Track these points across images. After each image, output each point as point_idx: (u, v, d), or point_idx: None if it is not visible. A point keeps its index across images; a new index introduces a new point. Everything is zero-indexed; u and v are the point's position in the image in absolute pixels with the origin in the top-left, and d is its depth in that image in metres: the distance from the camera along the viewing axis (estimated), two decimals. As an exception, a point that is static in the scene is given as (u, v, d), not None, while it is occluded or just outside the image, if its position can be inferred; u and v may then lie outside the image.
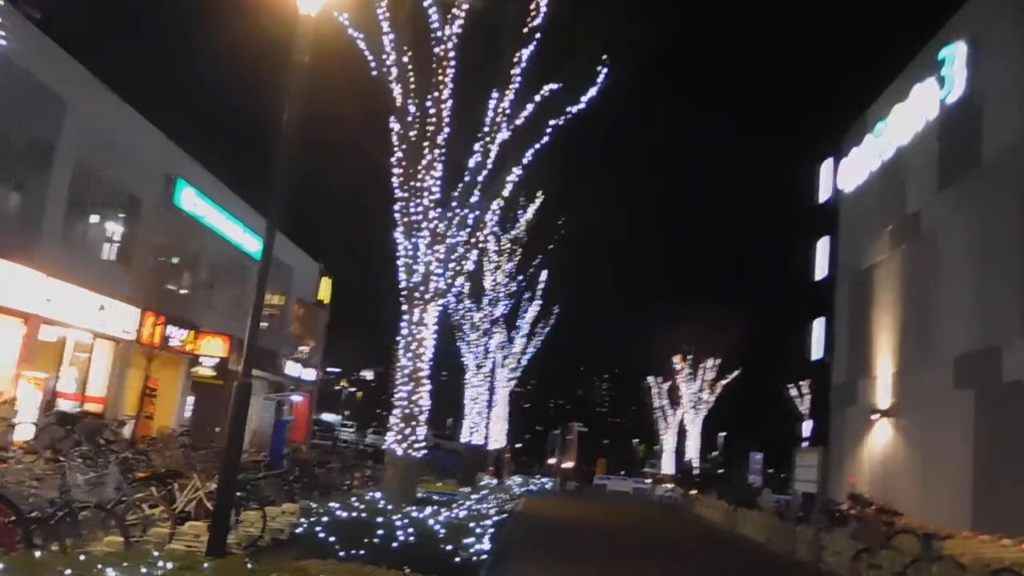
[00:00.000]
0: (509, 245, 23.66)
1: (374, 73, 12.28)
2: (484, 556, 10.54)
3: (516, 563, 11.74)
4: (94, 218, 24.03)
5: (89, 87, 22.28)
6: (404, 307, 12.26)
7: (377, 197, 22.18)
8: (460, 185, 12.64)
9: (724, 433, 75.05)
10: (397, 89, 12.21)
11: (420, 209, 12.02)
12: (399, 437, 11.79)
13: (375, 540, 9.95)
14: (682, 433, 59.44)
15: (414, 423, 11.81)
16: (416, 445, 11.80)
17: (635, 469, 71.37)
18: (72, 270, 21.85)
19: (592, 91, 13.49)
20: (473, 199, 12.70)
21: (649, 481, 55.26)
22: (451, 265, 12.34)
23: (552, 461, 64.22)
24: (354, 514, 10.34)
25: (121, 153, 23.98)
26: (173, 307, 28.67)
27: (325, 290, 47.46)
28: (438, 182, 12.13)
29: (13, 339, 20.21)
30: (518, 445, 72.96)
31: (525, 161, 13.29)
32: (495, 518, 13.45)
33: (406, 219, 12.13)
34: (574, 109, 13.39)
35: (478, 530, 10.91)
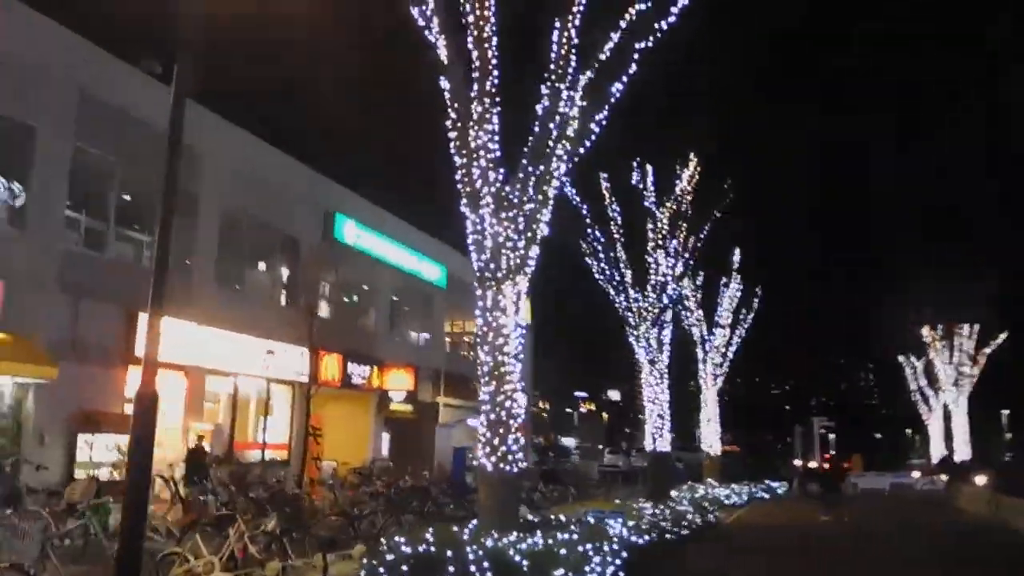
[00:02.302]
0: (666, 221, 20.78)
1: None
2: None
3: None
4: (250, 263, 24.13)
5: (223, 132, 22.39)
6: (478, 291, 10.16)
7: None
8: (530, 139, 10.40)
9: (1006, 411, 65.29)
10: (441, 41, 10.25)
11: (479, 172, 9.91)
12: (487, 450, 9.63)
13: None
14: (948, 417, 51.55)
15: (503, 431, 9.60)
16: (511, 458, 9.57)
17: (899, 462, 63.94)
18: (230, 317, 21.87)
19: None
20: (559, 154, 10.36)
21: (916, 475, 48.61)
22: (528, 235, 10.08)
23: (797, 463, 58.78)
24: (422, 548, 8.32)
25: (270, 194, 23.94)
26: (351, 344, 28.46)
27: (526, 310, 46.35)
28: (495, 137, 9.97)
29: (175, 392, 20.41)
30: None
31: (614, 97, 10.79)
32: (638, 540, 10.86)
33: (468, 188, 10.05)
34: (664, 24, 10.71)
35: (593, 559, 8.51)
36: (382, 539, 8.91)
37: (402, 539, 8.56)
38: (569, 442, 73.23)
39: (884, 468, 53.01)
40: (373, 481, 21.15)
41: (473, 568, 7.92)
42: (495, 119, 9.98)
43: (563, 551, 8.18)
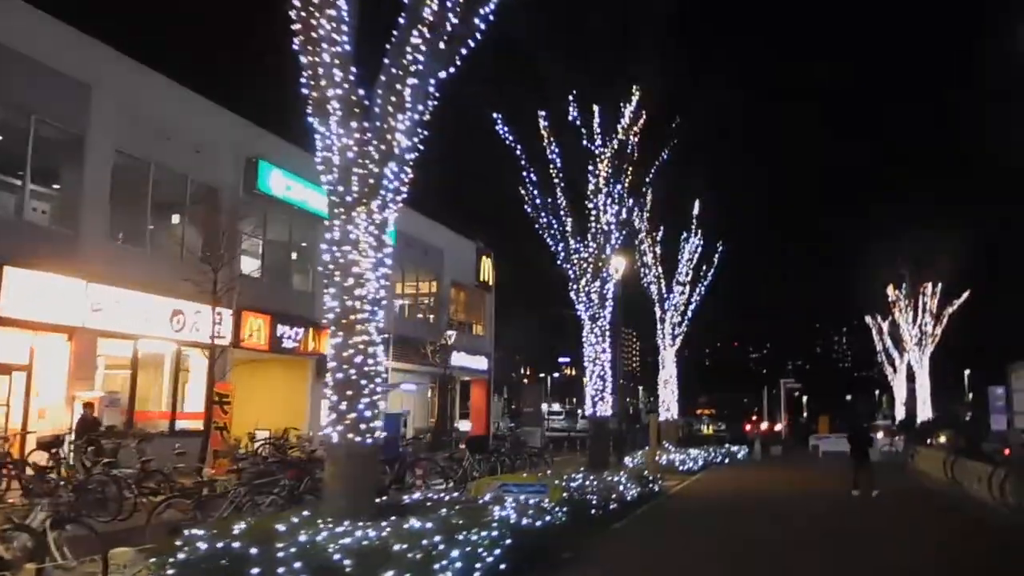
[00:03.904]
0: (607, 162, 18.75)
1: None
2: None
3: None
4: (153, 214, 21.76)
5: (116, 65, 20.00)
6: (327, 221, 8.20)
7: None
8: (395, 33, 8.36)
9: (968, 371, 64.89)
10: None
11: (323, 70, 7.88)
12: (334, 416, 7.72)
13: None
14: (912, 377, 50.68)
15: (353, 393, 7.69)
16: (363, 427, 7.67)
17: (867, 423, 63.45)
18: (130, 275, 19.72)
19: None
20: (416, 43, 8.31)
21: (880, 436, 47.76)
22: (383, 148, 8.07)
23: (762, 426, 57.92)
24: (221, 544, 6.42)
25: (178, 139, 21.63)
26: (282, 305, 26.36)
27: (487, 271, 44.30)
28: (341, 27, 7.92)
29: (58, 356, 18.28)
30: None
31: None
32: (533, 523, 9.00)
33: (315, 92, 8.03)
34: None
35: (450, 554, 6.66)
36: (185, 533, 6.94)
37: (201, 532, 6.66)
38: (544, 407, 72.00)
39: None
40: (288, 452, 19.40)
41: (281, 570, 6.05)
42: (342, 3, 7.93)
43: (403, 546, 6.29)
